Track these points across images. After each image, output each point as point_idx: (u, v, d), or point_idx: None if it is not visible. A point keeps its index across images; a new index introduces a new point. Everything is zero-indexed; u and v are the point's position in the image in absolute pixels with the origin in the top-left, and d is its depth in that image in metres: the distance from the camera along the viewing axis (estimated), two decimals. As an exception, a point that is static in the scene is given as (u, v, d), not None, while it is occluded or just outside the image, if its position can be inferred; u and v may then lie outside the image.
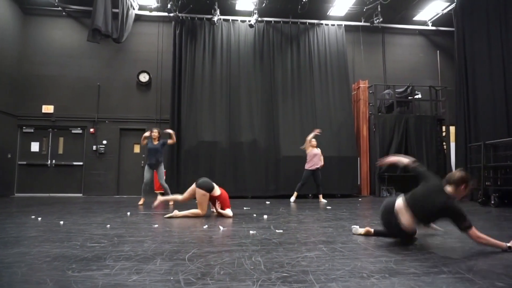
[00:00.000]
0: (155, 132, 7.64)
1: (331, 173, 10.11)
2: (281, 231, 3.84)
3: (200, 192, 5.14)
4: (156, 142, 7.60)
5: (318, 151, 8.63)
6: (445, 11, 11.14)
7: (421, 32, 12.51)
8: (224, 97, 10.55)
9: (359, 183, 10.93)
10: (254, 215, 5.47)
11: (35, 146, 10.90)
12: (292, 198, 8.45)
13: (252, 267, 2.31)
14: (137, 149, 11.26)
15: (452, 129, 10.75)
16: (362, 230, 3.51)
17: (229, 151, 10.16)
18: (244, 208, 6.72)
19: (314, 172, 8.52)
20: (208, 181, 5.28)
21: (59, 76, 10.98)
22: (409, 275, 2.13)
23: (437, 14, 11.49)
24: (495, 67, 8.21)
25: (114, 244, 3.05)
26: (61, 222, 4.44)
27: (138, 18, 11.07)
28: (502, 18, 8.12)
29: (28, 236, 3.44)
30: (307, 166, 8.57)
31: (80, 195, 10.69)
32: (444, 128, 11.35)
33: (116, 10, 9.36)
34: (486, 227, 4.17)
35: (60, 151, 11.00)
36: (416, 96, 11.60)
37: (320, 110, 10.73)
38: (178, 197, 5.54)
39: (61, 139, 11.05)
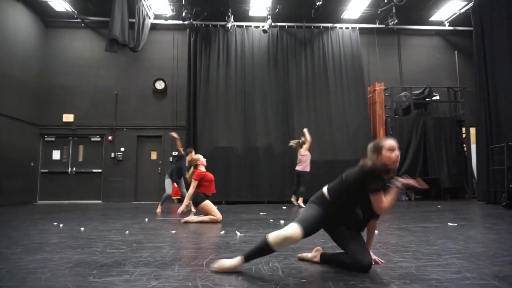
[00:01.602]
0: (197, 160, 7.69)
1: (348, 177, 9.99)
2: (298, 236, 3.81)
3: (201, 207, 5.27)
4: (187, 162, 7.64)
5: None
6: (462, 10, 10.93)
7: (438, 33, 12.29)
8: (239, 103, 10.60)
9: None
10: (271, 220, 5.45)
11: (56, 155, 11.19)
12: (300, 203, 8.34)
13: (270, 273, 2.30)
14: (154, 155, 11.42)
15: (473, 130, 10.48)
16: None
17: (244, 156, 10.19)
18: (261, 213, 6.70)
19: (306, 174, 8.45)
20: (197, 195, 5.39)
21: (78, 85, 11.27)
22: (431, 281, 2.07)
23: (454, 13, 11.28)
24: (516, 66, 7.98)
25: (133, 250, 3.09)
26: (82, 229, 4.53)
27: (153, 27, 11.29)
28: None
29: (50, 243, 3.53)
30: (308, 168, 8.48)
31: (100, 201, 10.90)
32: (464, 129, 11.08)
33: (133, 20, 9.58)
34: (510, 230, 4.03)
35: (80, 158, 11.26)
36: (434, 98, 11.38)
37: (335, 113, 10.66)
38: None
39: (81, 147, 11.32)
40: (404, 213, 6.47)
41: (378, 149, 2.47)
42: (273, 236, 2.25)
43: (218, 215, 5.32)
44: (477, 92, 9.33)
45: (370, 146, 2.57)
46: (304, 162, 8.54)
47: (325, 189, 2.58)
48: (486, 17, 9.03)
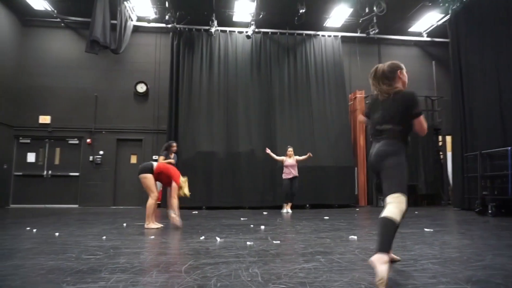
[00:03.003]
0: (174, 147, 7.61)
1: (329, 183, 10.11)
2: (279, 242, 3.82)
3: (142, 177, 5.22)
4: (172, 156, 7.57)
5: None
6: (440, 22, 11.31)
7: (417, 43, 12.66)
8: (221, 108, 10.58)
9: (356, 193, 10.91)
10: (251, 225, 5.44)
11: (31, 157, 10.85)
12: (288, 210, 8.42)
13: (249, 279, 2.29)
14: (134, 159, 11.23)
15: (449, 138, 10.80)
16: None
17: (226, 161, 10.15)
18: (241, 218, 6.68)
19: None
20: (145, 164, 5.41)
21: (56, 86, 11.00)
22: (407, 286, 2.11)
23: (432, 25, 11.66)
24: (490, 77, 8.29)
25: (110, 256, 3.02)
26: (57, 234, 4.39)
27: (136, 29, 11.16)
28: (496, 29, 8.23)
29: (22, 248, 3.40)
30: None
31: (76, 206, 10.61)
32: (440, 137, 11.40)
33: (115, 22, 9.44)
34: (484, 236, 4.16)
35: (57, 161, 10.95)
36: (413, 106, 11.66)
37: (317, 120, 10.78)
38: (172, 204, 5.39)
39: (58, 150, 11.01)
40: (383, 219, 6.56)
41: (400, 67, 2.70)
42: (395, 215, 2.30)
43: (154, 193, 5.22)
44: (453, 102, 9.64)
45: (388, 65, 2.71)
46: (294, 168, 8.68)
47: (392, 135, 2.53)
48: (462, 29, 9.36)
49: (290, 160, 8.65)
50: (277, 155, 10.25)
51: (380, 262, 2.10)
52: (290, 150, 8.76)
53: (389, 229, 2.29)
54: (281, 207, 8.89)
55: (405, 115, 2.54)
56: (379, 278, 2.05)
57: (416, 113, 2.53)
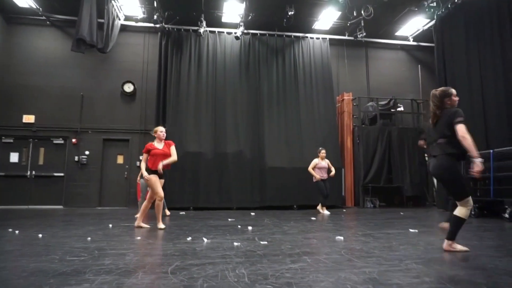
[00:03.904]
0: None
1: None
2: (266, 242, 3.82)
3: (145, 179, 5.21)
4: None
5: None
6: (425, 27, 11.51)
7: (403, 47, 12.86)
8: (209, 109, 10.54)
9: (343, 194, 11.01)
10: (239, 226, 5.43)
11: (14, 157, 10.60)
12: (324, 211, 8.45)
13: (236, 280, 2.28)
14: (120, 159, 11.09)
15: (434, 141, 10.99)
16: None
17: (214, 162, 10.11)
18: (229, 219, 6.67)
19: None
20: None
21: (41, 85, 10.78)
22: (392, 286, 2.14)
23: (418, 30, 11.86)
24: (473, 81, 8.49)
25: (95, 258, 2.98)
26: (40, 235, 4.31)
27: (123, 28, 11.04)
28: (479, 34, 8.44)
29: (4, 250, 3.32)
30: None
31: (61, 207, 10.41)
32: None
33: (102, 20, 9.32)
34: (466, 237, 4.24)
35: (41, 162, 10.73)
36: (399, 109, 11.86)
37: (305, 122, 10.83)
38: (159, 203, 5.33)
39: (42, 150, 10.79)
40: (369, 219, 6.65)
41: (448, 95, 3.45)
42: (463, 213, 3.26)
43: (160, 193, 5.20)
44: (438, 105, 9.80)
45: (437, 93, 3.50)
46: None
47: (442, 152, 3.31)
48: (447, 34, 9.57)
49: (323, 163, 8.57)
50: (264, 156, 10.29)
51: (448, 246, 3.27)
52: (323, 152, 8.61)
53: (459, 223, 3.29)
54: (268, 208, 8.87)
55: (449, 125, 3.28)
56: (465, 249, 3.25)
57: (455, 122, 3.24)
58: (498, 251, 3.34)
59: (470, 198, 3.26)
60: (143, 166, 5.36)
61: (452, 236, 3.27)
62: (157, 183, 5.26)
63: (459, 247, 3.29)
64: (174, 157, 5.46)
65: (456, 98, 3.50)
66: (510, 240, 4.03)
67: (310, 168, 8.47)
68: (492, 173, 7.00)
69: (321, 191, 8.40)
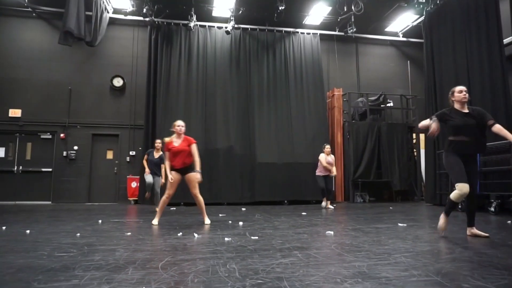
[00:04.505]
0: (158, 143, 7.43)
1: (307, 180, 10.21)
2: (257, 237, 3.84)
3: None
4: (157, 155, 7.41)
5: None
6: (415, 23, 11.61)
7: (393, 43, 12.95)
8: (200, 103, 10.48)
9: (333, 189, 11.08)
10: (230, 222, 5.44)
11: (0, 152, 10.41)
12: (325, 204, 8.60)
13: (227, 275, 2.29)
14: (110, 155, 10.98)
15: (422, 136, 11.14)
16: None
17: (204, 157, 10.03)
18: (220, 215, 6.67)
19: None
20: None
21: (27, 79, 10.58)
22: (381, 279, 2.17)
23: (408, 26, 11.95)
24: (461, 77, 8.59)
25: (84, 253, 2.95)
26: (27, 231, 4.25)
27: (112, 21, 10.87)
28: (466, 31, 8.54)
29: (-10, 247, 3.27)
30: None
31: (49, 202, 10.28)
32: (414, 135, 11.74)
33: (90, 13, 9.16)
34: (454, 230, 4.32)
35: (28, 157, 10.56)
36: (388, 104, 11.96)
37: (295, 117, 10.85)
38: (165, 199, 5.26)
39: (29, 145, 10.61)
40: (359, 214, 6.72)
41: (451, 93, 3.99)
42: (453, 195, 3.66)
43: (171, 192, 5.18)
44: (426, 100, 9.94)
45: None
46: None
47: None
48: (435, 30, 9.65)
49: (329, 158, 8.67)
50: (255, 152, 10.29)
51: (442, 220, 3.87)
52: (328, 147, 8.73)
53: (450, 204, 3.82)
54: (259, 203, 8.91)
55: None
56: (438, 226, 3.88)
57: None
58: (484, 244, 3.41)
59: (460, 184, 3.64)
60: (167, 165, 5.27)
61: (448, 211, 3.88)
62: (174, 183, 5.18)
63: (479, 232, 3.83)
64: (195, 157, 5.26)
65: (460, 94, 3.84)
66: (495, 233, 4.12)
67: (325, 163, 8.60)
68: (479, 169, 7.12)
69: (319, 185, 8.64)
